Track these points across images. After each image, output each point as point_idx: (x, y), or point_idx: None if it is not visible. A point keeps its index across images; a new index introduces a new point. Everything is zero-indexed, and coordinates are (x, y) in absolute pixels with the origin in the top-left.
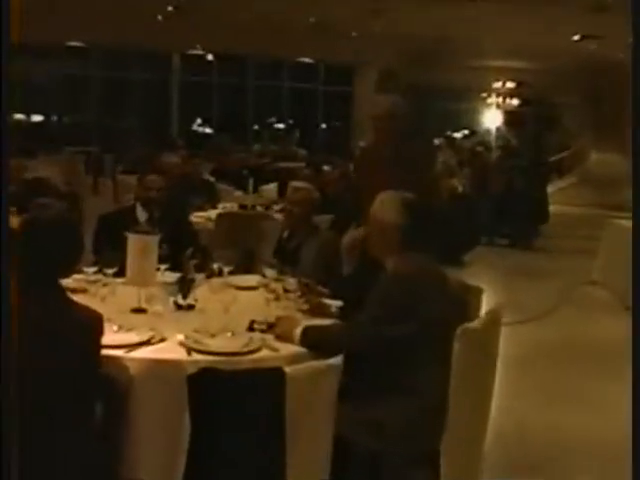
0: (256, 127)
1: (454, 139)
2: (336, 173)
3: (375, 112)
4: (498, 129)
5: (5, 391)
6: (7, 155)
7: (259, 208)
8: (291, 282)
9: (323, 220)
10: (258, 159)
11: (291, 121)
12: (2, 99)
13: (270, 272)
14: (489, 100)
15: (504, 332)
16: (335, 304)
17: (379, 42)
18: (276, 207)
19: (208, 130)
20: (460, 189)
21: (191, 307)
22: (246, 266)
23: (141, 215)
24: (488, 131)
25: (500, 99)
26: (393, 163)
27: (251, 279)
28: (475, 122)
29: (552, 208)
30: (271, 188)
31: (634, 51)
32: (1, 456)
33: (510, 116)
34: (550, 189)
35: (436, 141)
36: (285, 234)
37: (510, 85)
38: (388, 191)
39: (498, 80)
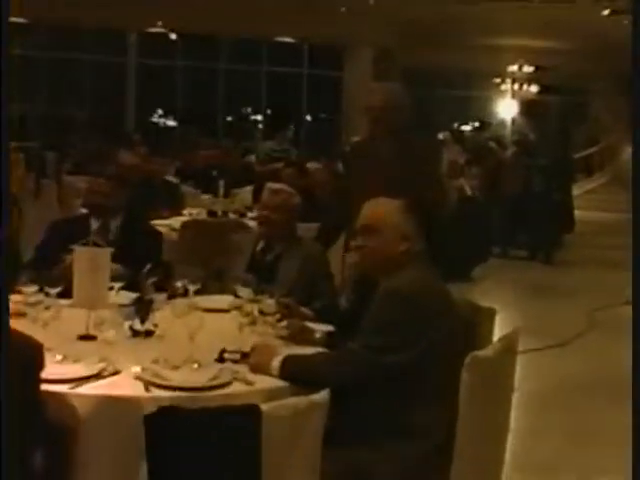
0: (229, 119)
1: (462, 133)
2: (323, 173)
3: (369, 102)
4: (514, 121)
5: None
6: (7, 154)
7: (231, 215)
8: (269, 303)
9: (307, 229)
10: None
11: (269, 111)
12: (2, 98)
13: (244, 291)
14: (503, 87)
15: (521, 361)
16: (322, 329)
17: (373, 18)
18: (251, 214)
19: (171, 122)
20: (469, 192)
21: (150, 333)
22: (216, 284)
23: (92, 224)
24: (502, 123)
25: (516, 85)
26: (390, 162)
27: (221, 300)
28: (487, 113)
29: (578, 214)
30: (246, 191)
31: (634, 51)
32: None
33: (528, 106)
34: (576, 191)
35: (440, 135)
36: (261, 246)
37: (528, 69)
38: (381, 198)
39: (514, 63)
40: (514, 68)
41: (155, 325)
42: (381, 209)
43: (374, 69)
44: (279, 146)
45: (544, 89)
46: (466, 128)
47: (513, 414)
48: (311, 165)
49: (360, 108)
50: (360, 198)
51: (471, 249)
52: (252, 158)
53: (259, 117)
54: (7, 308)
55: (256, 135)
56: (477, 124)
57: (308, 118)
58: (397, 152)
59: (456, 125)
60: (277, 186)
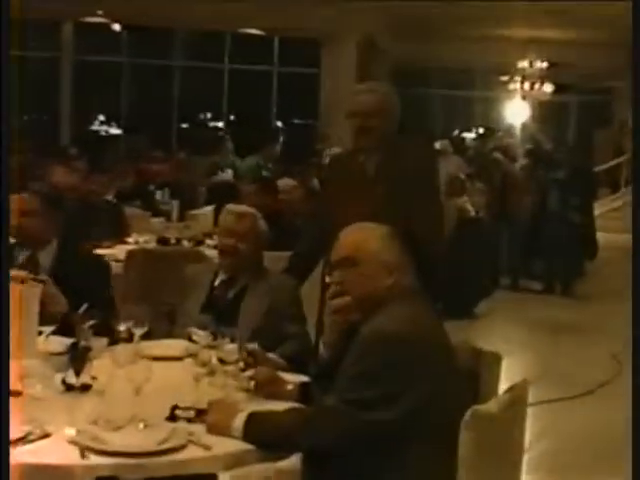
0: (184, 126)
1: (463, 141)
2: (296, 192)
3: (352, 106)
4: (524, 127)
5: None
6: (7, 155)
7: (186, 243)
8: (230, 349)
9: (276, 259)
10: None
11: (232, 117)
12: (2, 100)
13: (200, 335)
14: (511, 86)
15: (533, 416)
16: (294, 380)
17: (356, 5)
18: (211, 241)
19: (114, 131)
20: (471, 212)
21: (87, 388)
22: (166, 327)
23: (17, 255)
24: (510, 130)
25: (527, 84)
26: (377, 179)
27: (173, 346)
28: (492, 117)
29: (601, 237)
30: (205, 214)
31: (634, 51)
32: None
33: (542, 108)
34: (599, 210)
35: (438, 145)
36: (221, 280)
37: (541, 64)
38: (363, 224)
39: (524, 57)
40: (524, 64)
41: (93, 377)
42: (361, 236)
43: (358, 66)
44: (265, 162)
45: (560, 88)
46: (468, 136)
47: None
48: (282, 182)
49: (341, 113)
50: (341, 222)
51: (474, 280)
52: (228, 174)
53: (220, 124)
54: (7, 311)
55: (225, 146)
56: (481, 131)
57: (279, 124)
58: (385, 167)
59: (456, 132)
60: (240, 208)
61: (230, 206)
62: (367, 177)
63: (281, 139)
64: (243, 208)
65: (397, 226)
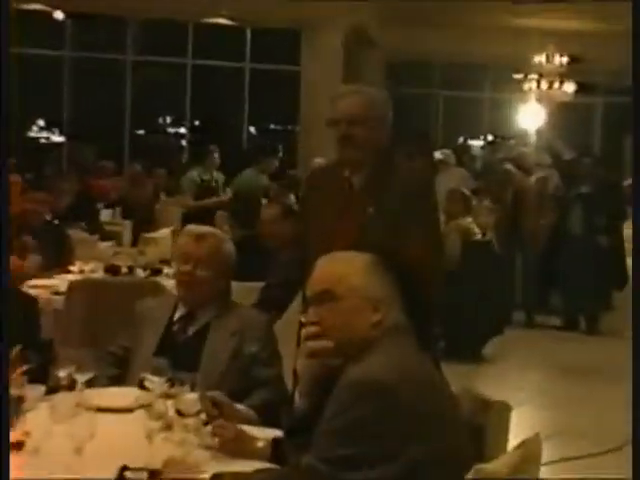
0: (139, 132)
1: (469, 150)
2: (269, 211)
3: (336, 112)
4: (541, 133)
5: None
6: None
7: (140, 272)
8: (190, 399)
9: (246, 290)
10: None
11: (197, 122)
12: (2, 99)
13: (155, 382)
14: (526, 85)
15: (548, 476)
16: (265, 435)
17: None
18: (170, 270)
19: (57, 138)
20: (478, 234)
21: (19, 446)
22: (115, 372)
23: None
24: (524, 137)
25: (544, 83)
26: (364, 196)
27: (123, 395)
28: (503, 122)
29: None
30: (163, 237)
31: (634, 51)
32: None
33: (562, 112)
34: (629, 230)
35: (439, 154)
36: (180, 315)
37: (561, 60)
38: (344, 252)
39: (541, 51)
40: (541, 59)
41: (26, 433)
42: (342, 266)
43: (345, 63)
44: (206, 174)
45: (583, 88)
46: (475, 144)
47: None
48: None
49: (324, 118)
50: (322, 248)
51: (481, 316)
52: (227, 193)
53: (182, 130)
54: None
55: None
56: (490, 138)
57: (252, 130)
58: (375, 183)
59: (461, 140)
60: (200, 229)
61: (189, 227)
62: (353, 195)
63: (280, 152)
64: (204, 229)
65: (388, 253)
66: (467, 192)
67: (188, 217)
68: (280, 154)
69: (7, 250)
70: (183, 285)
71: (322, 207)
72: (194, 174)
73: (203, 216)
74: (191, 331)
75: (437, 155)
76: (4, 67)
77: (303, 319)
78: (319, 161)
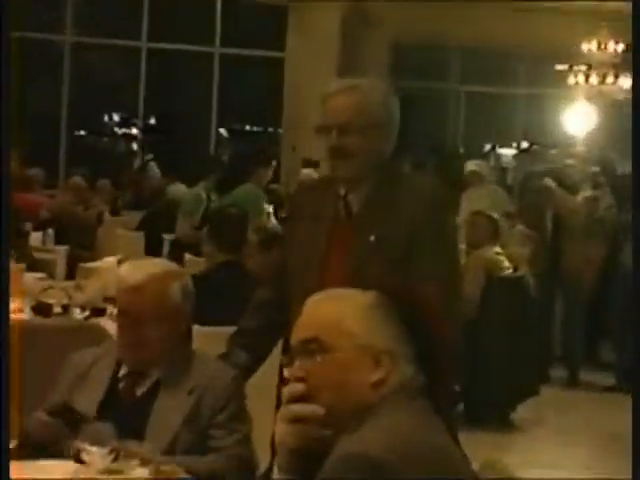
0: (79, 133)
1: (497, 159)
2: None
3: (328, 115)
4: (590, 140)
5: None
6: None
7: (78, 312)
8: (139, 474)
9: (211, 335)
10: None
11: (152, 120)
12: (2, 98)
13: (95, 453)
14: (571, 79)
15: None
16: None
17: None
18: (114, 309)
19: None
20: (508, 268)
21: None
22: (44, 440)
23: None
24: (569, 145)
25: (594, 77)
26: (364, 219)
27: (54, 469)
28: (542, 126)
29: None
30: (107, 268)
31: (634, 51)
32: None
33: (616, 112)
34: None
35: (472, 165)
36: (126, 370)
37: (616, 47)
38: (338, 290)
39: (590, 37)
40: (591, 47)
41: None
42: (335, 308)
43: (341, 48)
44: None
45: None
46: (505, 153)
47: None
48: None
49: (313, 119)
50: (309, 283)
51: (511, 372)
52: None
53: (134, 131)
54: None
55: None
56: (524, 145)
57: (222, 132)
58: (376, 204)
59: (487, 148)
60: (138, 278)
61: (122, 273)
62: (350, 218)
63: (274, 162)
64: (139, 275)
65: (393, 291)
66: (495, 216)
67: (180, 246)
68: (274, 163)
69: (7, 249)
70: (125, 347)
71: (311, 233)
72: (200, 191)
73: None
74: (140, 390)
75: (469, 166)
76: (4, 67)
77: (285, 374)
78: (307, 172)
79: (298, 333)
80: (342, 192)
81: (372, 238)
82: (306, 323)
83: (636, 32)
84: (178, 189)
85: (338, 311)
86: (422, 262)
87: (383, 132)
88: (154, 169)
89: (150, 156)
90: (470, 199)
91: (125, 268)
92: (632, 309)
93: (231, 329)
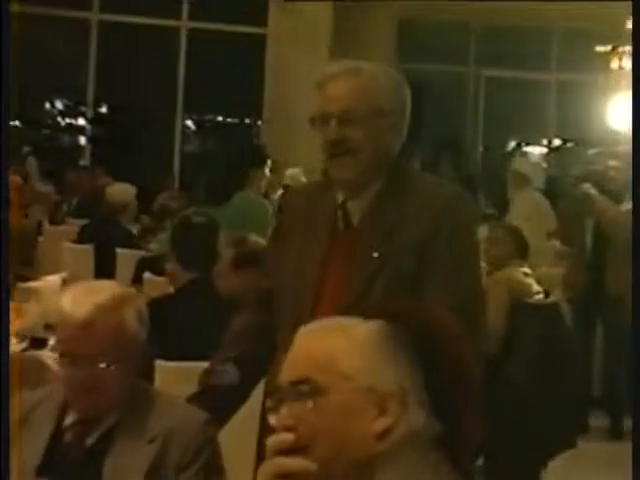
0: (15, 124)
1: (524, 156)
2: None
3: (324, 105)
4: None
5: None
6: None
7: (14, 343)
8: None
9: (177, 372)
10: None
11: (104, 109)
12: (2, 104)
13: None
14: (614, 63)
15: None
16: None
17: None
18: (52, 348)
19: None
20: (539, 292)
21: None
22: None
23: None
24: (612, 142)
25: None
26: (366, 232)
27: None
28: (578, 119)
29: None
30: (51, 289)
31: (634, 50)
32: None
33: None
34: None
35: (519, 163)
36: (74, 417)
37: None
38: (335, 320)
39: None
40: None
41: None
42: (332, 342)
43: (335, 23)
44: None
45: None
46: (533, 152)
47: None
48: None
49: (302, 110)
50: (299, 311)
51: (542, 419)
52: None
53: (81, 121)
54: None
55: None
56: (557, 143)
57: (189, 124)
58: (381, 213)
59: (512, 145)
60: (84, 312)
61: (68, 298)
62: (349, 231)
63: (269, 160)
64: (86, 307)
65: (401, 320)
66: (522, 232)
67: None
68: (269, 161)
69: (7, 255)
70: (71, 390)
71: (302, 248)
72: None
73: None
74: (90, 440)
75: (515, 165)
76: (4, 69)
77: (270, 421)
78: (292, 174)
79: (286, 372)
80: (340, 199)
81: (376, 255)
82: (296, 360)
83: (636, 32)
84: (127, 191)
85: (335, 345)
86: (436, 286)
87: (391, 123)
88: (33, 166)
89: (28, 149)
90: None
91: (67, 299)
92: (633, 310)
93: (201, 365)
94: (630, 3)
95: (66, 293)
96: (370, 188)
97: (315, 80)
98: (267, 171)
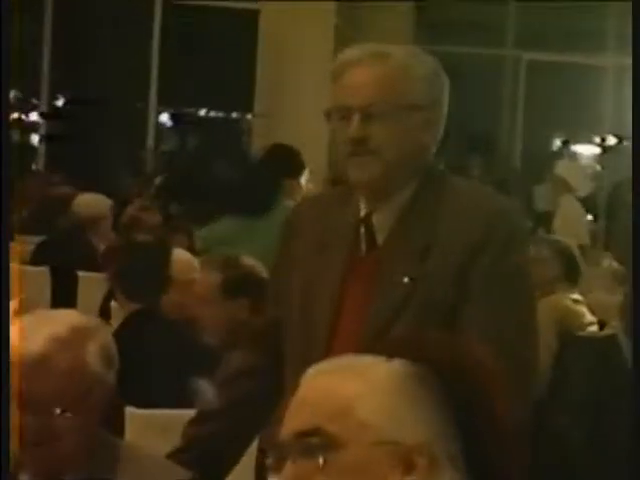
0: None
1: (572, 159)
2: (203, 277)
3: (345, 96)
4: None
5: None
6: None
7: None
8: None
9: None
10: None
11: (60, 102)
12: (2, 96)
13: None
14: None
15: None
16: None
17: None
18: None
19: None
20: (592, 323)
21: None
22: None
23: None
24: None
25: None
26: (395, 253)
27: None
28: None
29: None
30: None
31: (634, 50)
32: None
33: None
34: None
35: (561, 168)
36: (27, 477)
37: None
38: (355, 359)
39: None
40: None
41: None
42: (349, 385)
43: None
44: None
45: None
46: (584, 151)
47: None
48: (179, 254)
49: (307, 100)
50: (308, 347)
51: (597, 476)
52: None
53: (34, 116)
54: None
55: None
56: (612, 141)
57: (163, 120)
58: (411, 230)
59: (557, 143)
60: (37, 347)
61: (18, 330)
62: (373, 250)
63: (306, 171)
64: (39, 340)
65: (427, 359)
66: (574, 250)
67: None
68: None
69: (7, 250)
70: (23, 445)
71: (315, 272)
72: None
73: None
74: None
75: (558, 169)
76: (4, 74)
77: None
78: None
79: (292, 421)
80: (363, 211)
81: (404, 280)
82: (303, 406)
83: (636, 32)
84: (91, 202)
85: (351, 389)
86: (476, 318)
87: (423, 119)
88: None
89: None
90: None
91: (16, 331)
92: (632, 311)
93: (183, 413)
94: (630, 3)
95: (15, 324)
96: (398, 197)
97: (331, 67)
98: (303, 181)
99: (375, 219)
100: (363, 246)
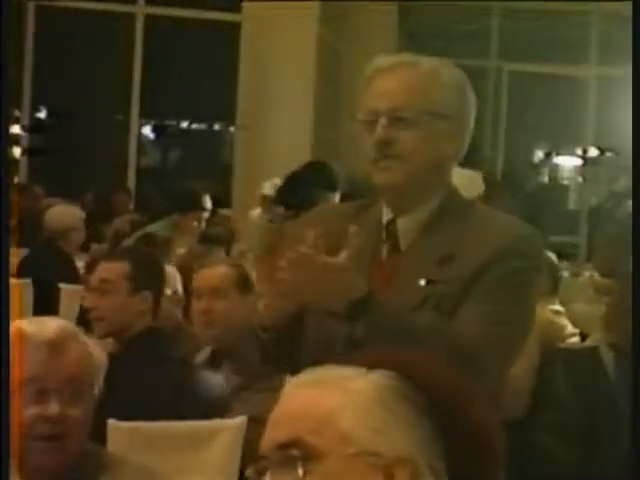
0: None
1: (554, 170)
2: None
3: (377, 100)
4: None
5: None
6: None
7: None
8: None
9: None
10: None
11: (42, 114)
12: (2, 101)
13: None
14: None
15: None
16: None
17: None
18: None
19: None
20: (573, 334)
21: None
22: None
23: None
24: None
25: None
26: (418, 259)
27: None
28: (621, 124)
29: None
30: None
31: (634, 50)
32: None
33: None
34: None
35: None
36: None
37: None
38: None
39: None
40: None
41: None
42: (327, 399)
43: (322, 8)
44: None
45: None
46: (566, 163)
47: None
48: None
49: (279, 117)
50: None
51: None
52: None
53: (16, 129)
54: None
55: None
56: (594, 153)
57: (146, 132)
58: (434, 240)
59: (539, 155)
60: (52, 328)
61: (25, 321)
62: (393, 256)
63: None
64: (50, 328)
65: (399, 370)
66: (553, 259)
67: None
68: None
69: (7, 250)
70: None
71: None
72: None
73: None
74: None
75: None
76: (4, 69)
77: None
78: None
79: (272, 433)
80: (387, 217)
81: (422, 282)
82: (284, 418)
83: (636, 32)
84: (69, 214)
85: (331, 401)
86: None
87: (449, 129)
88: None
89: None
90: None
91: (25, 322)
92: (632, 313)
93: (165, 425)
94: (630, 3)
95: (19, 320)
96: (423, 207)
97: (366, 74)
98: (337, 199)
99: (400, 223)
100: (384, 250)
